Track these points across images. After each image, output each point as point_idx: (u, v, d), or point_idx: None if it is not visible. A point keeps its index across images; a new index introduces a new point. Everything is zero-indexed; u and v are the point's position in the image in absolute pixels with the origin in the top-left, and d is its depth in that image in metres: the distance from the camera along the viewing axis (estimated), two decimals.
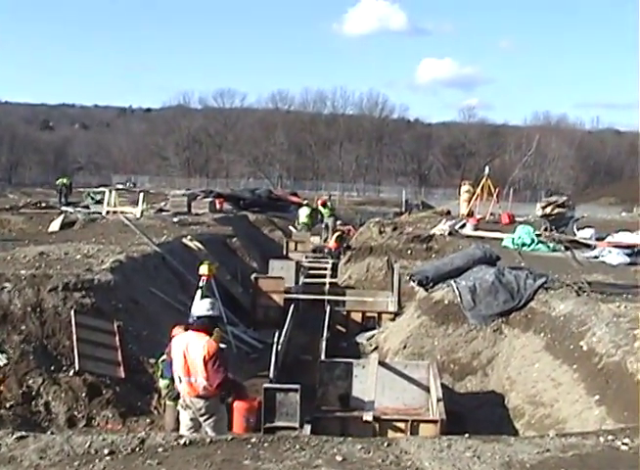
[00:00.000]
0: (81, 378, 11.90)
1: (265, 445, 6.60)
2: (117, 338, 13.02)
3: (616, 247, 20.63)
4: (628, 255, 19.92)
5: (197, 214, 30.38)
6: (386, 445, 6.63)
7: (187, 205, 31.64)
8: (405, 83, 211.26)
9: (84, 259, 16.11)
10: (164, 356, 10.61)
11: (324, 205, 32.09)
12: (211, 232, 25.53)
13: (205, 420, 8.90)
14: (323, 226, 31.39)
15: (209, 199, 35.28)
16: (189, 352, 8.79)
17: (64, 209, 31.08)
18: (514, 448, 6.59)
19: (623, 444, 6.79)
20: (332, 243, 27.13)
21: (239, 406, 10.88)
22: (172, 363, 9.31)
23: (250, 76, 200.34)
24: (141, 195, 30.58)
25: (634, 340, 10.48)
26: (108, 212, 28.98)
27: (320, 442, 6.69)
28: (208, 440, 6.68)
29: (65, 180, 37.26)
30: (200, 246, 21.31)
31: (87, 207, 33.21)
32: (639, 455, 6.45)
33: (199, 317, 9.19)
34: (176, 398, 9.87)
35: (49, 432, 10.14)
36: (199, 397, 8.83)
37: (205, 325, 9.05)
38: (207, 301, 9.69)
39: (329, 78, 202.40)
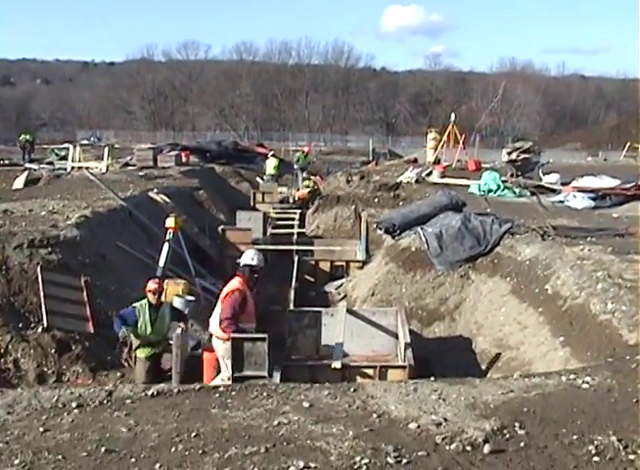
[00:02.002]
0: (50, 334, 11.83)
1: (233, 393, 6.65)
2: (85, 293, 12.94)
3: (580, 191, 20.79)
4: (593, 199, 20.09)
5: (163, 168, 30.13)
6: (352, 390, 6.71)
7: (153, 158, 31.28)
8: (371, 31, 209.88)
9: (49, 216, 15.95)
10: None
11: (308, 154, 32.89)
12: (178, 185, 25.41)
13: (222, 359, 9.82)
14: (294, 175, 31.55)
15: (175, 152, 34.98)
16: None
17: (27, 165, 30.58)
18: (479, 390, 6.70)
19: (585, 382, 6.93)
20: (300, 193, 27.25)
21: (208, 357, 10.91)
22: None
23: (213, 28, 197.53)
24: (106, 149, 30.25)
25: (597, 282, 10.62)
26: (72, 168, 28.61)
27: (287, 389, 6.76)
28: (176, 390, 6.72)
29: (27, 136, 36.55)
30: (166, 199, 21.20)
31: (51, 163, 32.68)
32: (599, 392, 6.58)
33: (242, 265, 10.26)
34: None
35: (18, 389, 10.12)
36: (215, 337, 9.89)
37: (244, 272, 10.16)
38: (253, 251, 10.73)
39: (293, 28, 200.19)
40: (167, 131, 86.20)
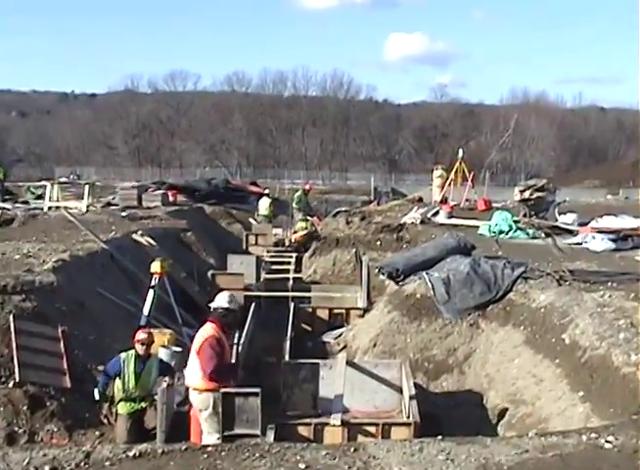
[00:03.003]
0: (22, 389, 11.68)
1: (223, 454, 6.60)
2: (62, 344, 12.84)
3: (600, 232, 20.79)
4: (613, 240, 20.06)
5: (148, 208, 30.15)
6: (352, 450, 6.66)
7: (137, 197, 31.36)
8: (372, 61, 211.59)
9: (24, 259, 15.92)
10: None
11: (308, 192, 33.13)
12: (164, 226, 25.39)
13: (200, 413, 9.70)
14: (289, 216, 31.69)
15: (162, 191, 35.06)
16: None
17: (0, 205, 30.66)
18: (490, 450, 6.64)
19: (607, 442, 6.87)
20: (297, 235, 27.34)
21: (196, 414, 10.84)
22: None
23: (203, 57, 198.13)
24: (86, 188, 30.27)
25: (619, 331, 10.59)
26: (50, 208, 28.65)
27: (282, 449, 6.70)
28: (160, 450, 6.66)
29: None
30: (151, 242, 21.18)
31: (27, 202, 32.77)
32: (623, 453, 6.52)
33: (214, 309, 10.03)
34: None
35: None
36: (194, 389, 9.72)
37: (218, 317, 9.98)
38: (227, 293, 10.41)
39: (289, 58, 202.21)
40: (153, 168, 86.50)
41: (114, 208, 29.82)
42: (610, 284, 13.88)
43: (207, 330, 9.87)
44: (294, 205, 33.23)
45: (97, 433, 11.47)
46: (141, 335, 11.25)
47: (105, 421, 11.65)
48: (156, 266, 15.04)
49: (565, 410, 10.25)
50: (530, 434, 7.50)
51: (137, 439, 10.22)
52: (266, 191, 35.90)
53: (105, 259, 17.83)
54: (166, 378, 11.12)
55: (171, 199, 33.91)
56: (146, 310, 14.24)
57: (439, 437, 7.18)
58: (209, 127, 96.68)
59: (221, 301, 10.08)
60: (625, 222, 21.82)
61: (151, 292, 14.52)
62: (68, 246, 17.94)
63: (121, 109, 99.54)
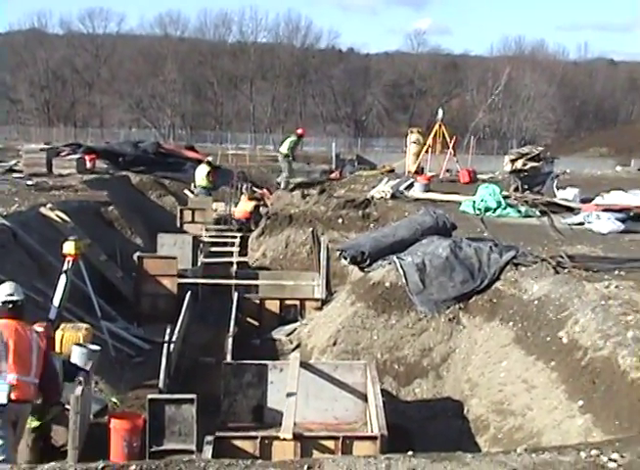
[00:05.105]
0: None
1: None
2: None
3: (606, 210, 20.96)
4: (622, 220, 20.21)
5: (60, 176, 29.89)
6: (306, 468, 6.66)
7: (47, 163, 31.07)
8: (335, 1, 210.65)
9: None
10: None
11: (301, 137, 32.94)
12: (80, 199, 25.18)
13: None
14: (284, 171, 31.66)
15: (77, 155, 34.71)
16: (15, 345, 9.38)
17: None
18: (471, 469, 6.68)
19: (611, 460, 6.92)
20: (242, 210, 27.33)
21: (117, 426, 10.82)
22: None
23: None
24: None
25: (627, 329, 10.71)
26: None
27: (221, 467, 6.68)
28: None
29: None
30: (64, 217, 21.00)
31: None
32: None
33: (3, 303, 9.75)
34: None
35: None
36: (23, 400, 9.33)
37: (11, 312, 9.71)
38: (8, 284, 10.09)
39: None
40: (67, 128, 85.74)
41: (17, 175, 29.55)
42: (617, 272, 14.00)
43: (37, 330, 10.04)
44: (284, 151, 32.66)
45: None
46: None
47: None
48: (69, 247, 14.91)
49: (561, 423, 10.36)
50: (519, 450, 7.55)
51: (42, 458, 10.14)
52: (209, 158, 35.67)
53: (5, 238, 17.64)
54: (81, 381, 11.03)
55: (89, 165, 33.56)
56: (56, 301, 14.12)
57: (410, 453, 7.21)
58: (136, 79, 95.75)
59: (2, 294, 9.86)
60: (637, 199, 22.01)
61: (62, 278, 14.39)
62: None
63: (26, 53, 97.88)
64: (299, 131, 35.83)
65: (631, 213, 20.66)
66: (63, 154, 35.25)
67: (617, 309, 11.47)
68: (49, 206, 21.54)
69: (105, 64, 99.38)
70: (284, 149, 32.18)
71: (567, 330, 11.70)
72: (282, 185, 32.93)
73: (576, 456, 7.08)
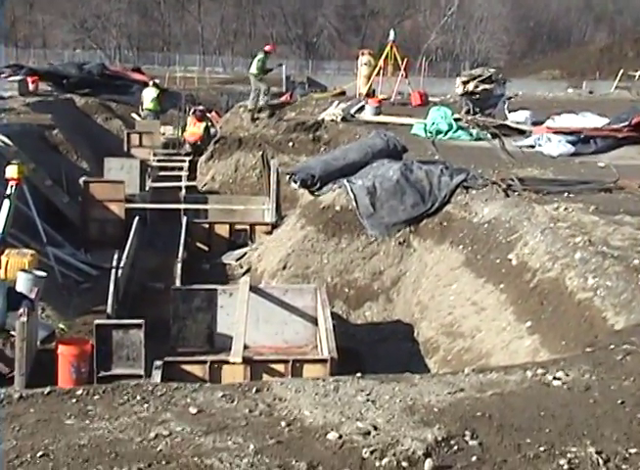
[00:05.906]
0: None
1: (96, 397, 6.56)
2: None
3: (557, 133, 21.05)
4: (572, 143, 20.35)
5: (1, 98, 29.50)
6: (255, 390, 6.68)
7: None
8: None
9: None
10: None
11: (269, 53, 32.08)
12: (23, 122, 24.91)
13: None
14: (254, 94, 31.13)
15: (19, 77, 34.22)
16: None
17: None
18: (419, 389, 6.74)
19: (556, 378, 7.02)
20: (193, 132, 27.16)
21: (65, 352, 10.82)
22: None
23: None
24: None
25: (575, 250, 10.80)
26: None
27: (169, 390, 6.69)
28: (17, 395, 6.61)
29: None
30: (6, 141, 20.75)
31: None
32: (574, 391, 6.71)
33: None
34: None
35: None
36: None
37: None
38: None
39: None
40: (8, 48, 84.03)
41: None
42: (566, 195, 14.15)
43: None
44: (254, 71, 32.24)
45: None
46: None
47: None
48: (12, 171, 14.77)
49: (509, 343, 10.50)
50: (467, 370, 7.64)
51: None
52: (156, 80, 35.20)
53: None
54: (26, 307, 10.98)
55: (32, 87, 33.07)
56: (0, 226, 14.01)
57: (359, 374, 7.27)
58: None
59: None
60: (588, 121, 22.10)
61: (6, 203, 14.27)
62: None
63: None
64: (267, 48, 33.83)
65: (582, 136, 20.75)
66: (4, 75, 34.80)
67: (566, 231, 11.56)
68: None
69: None
70: (253, 69, 31.41)
71: (516, 252, 11.82)
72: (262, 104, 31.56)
73: (522, 375, 7.18)
